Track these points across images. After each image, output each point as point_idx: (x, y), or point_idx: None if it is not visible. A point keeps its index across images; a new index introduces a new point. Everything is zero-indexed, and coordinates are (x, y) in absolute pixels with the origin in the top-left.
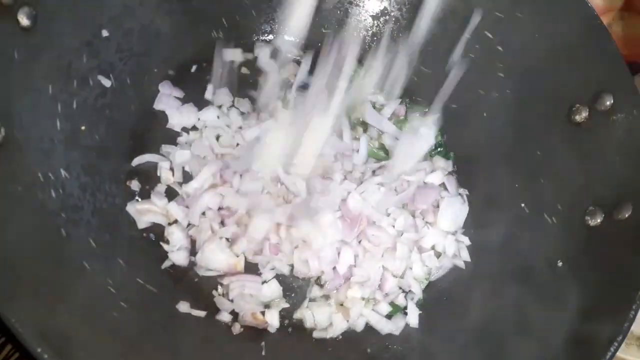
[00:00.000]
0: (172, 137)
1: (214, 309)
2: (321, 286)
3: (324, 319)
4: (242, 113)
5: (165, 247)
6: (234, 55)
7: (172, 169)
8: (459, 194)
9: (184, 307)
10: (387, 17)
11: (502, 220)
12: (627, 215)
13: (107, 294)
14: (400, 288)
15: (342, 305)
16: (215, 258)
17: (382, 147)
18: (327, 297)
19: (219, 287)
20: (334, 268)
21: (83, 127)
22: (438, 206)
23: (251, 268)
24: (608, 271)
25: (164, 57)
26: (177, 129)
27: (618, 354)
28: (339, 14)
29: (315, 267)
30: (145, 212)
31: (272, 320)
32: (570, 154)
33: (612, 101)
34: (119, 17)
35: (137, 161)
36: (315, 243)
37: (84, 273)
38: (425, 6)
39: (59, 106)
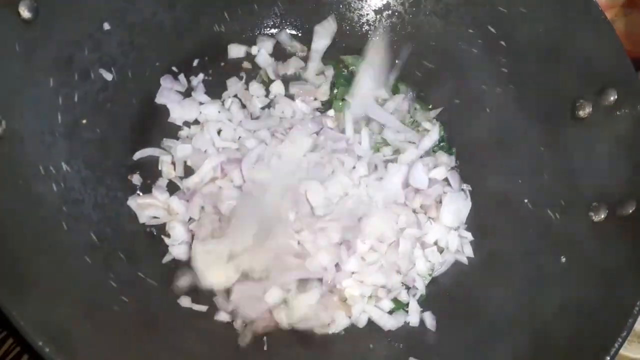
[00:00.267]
0: (173, 131)
1: (215, 304)
2: (322, 283)
3: (326, 315)
4: (243, 107)
5: (167, 240)
6: (238, 51)
7: (173, 163)
8: (462, 189)
9: (185, 301)
10: (390, 11)
11: (505, 216)
12: (630, 211)
13: (108, 288)
14: (403, 284)
15: (344, 301)
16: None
17: (384, 142)
18: (329, 293)
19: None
20: (336, 265)
21: (84, 121)
22: (441, 201)
23: None
24: (612, 267)
25: (166, 51)
26: (179, 122)
27: (620, 351)
28: (342, 9)
29: (317, 266)
30: (147, 206)
31: (282, 318)
32: (573, 150)
33: (616, 96)
34: (121, 10)
35: (138, 155)
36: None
37: (85, 267)
38: None
39: (60, 99)
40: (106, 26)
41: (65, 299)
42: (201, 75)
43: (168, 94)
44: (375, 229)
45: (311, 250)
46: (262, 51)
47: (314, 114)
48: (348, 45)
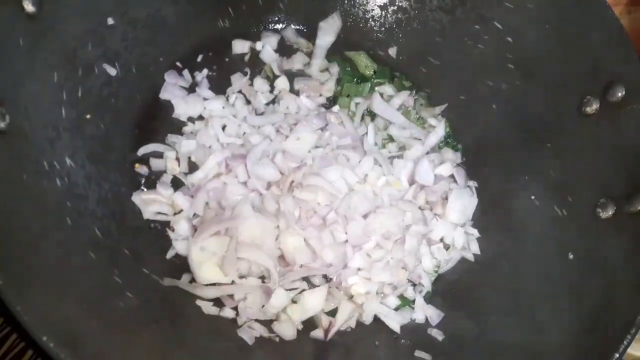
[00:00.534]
0: (177, 127)
1: (220, 300)
2: (328, 280)
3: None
4: (248, 102)
5: (171, 234)
6: (242, 47)
7: (177, 159)
8: (468, 185)
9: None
10: (395, 7)
11: (512, 213)
12: (639, 208)
13: (113, 283)
14: (409, 281)
15: (350, 298)
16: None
17: (390, 138)
18: (335, 290)
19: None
20: (345, 265)
21: (88, 116)
22: (447, 198)
23: None
24: (620, 264)
25: (170, 46)
26: (183, 118)
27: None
28: (346, 4)
29: (322, 263)
30: (151, 202)
31: (285, 331)
32: (580, 146)
33: (623, 92)
34: (125, 5)
35: (142, 151)
36: (320, 240)
37: (89, 262)
38: None
39: (64, 94)
40: (110, 21)
41: (70, 295)
42: (205, 71)
43: (172, 89)
44: (381, 225)
45: (316, 247)
46: (267, 47)
47: (319, 109)
48: (353, 42)
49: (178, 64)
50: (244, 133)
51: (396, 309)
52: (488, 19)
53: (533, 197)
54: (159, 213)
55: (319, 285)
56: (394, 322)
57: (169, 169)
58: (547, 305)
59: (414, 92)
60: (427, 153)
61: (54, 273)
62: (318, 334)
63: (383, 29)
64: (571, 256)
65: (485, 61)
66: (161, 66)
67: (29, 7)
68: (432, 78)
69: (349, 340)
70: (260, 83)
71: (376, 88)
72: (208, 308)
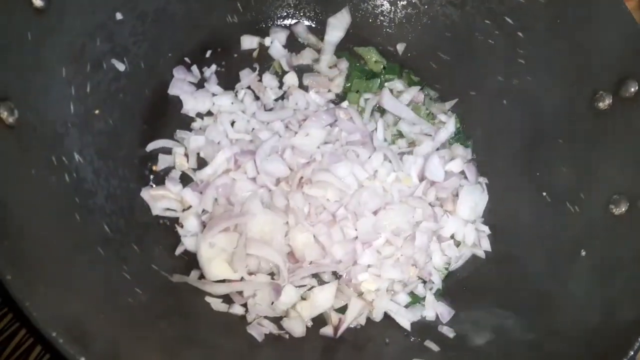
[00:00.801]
0: (186, 123)
1: (229, 297)
2: (338, 277)
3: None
4: (257, 98)
5: (180, 231)
6: (251, 42)
7: (186, 155)
8: (479, 182)
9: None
10: (405, 1)
11: (523, 210)
12: None
13: (122, 279)
14: (420, 278)
15: (360, 295)
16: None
17: (400, 134)
18: (345, 287)
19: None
20: (355, 262)
21: (97, 111)
22: (457, 195)
23: None
24: (633, 260)
25: (179, 42)
26: (192, 114)
27: None
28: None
29: (332, 259)
30: (160, 197)
31: (295, 327)
32: (593, 142)
33: (636, 87)
34: (134, 0)
35: (151, 146)
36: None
37: (98, 258)
38: None
39: (73, 89)
40: (118, 16)
41: (79, 291)
42: (214, 67)
43: (181, 85)
44: (391, 222)
45: (326, 243)
46: (276, 42)
47: (328, 105)
48: (362, 37)
49: (187, 59)
50: (253, 129)
51: (406, 306)
52: (498, 13)
53: (545, 194)
54: (168, 209)
55: (329, 282)
56: (404, 319)
57: (178, 165)
58: (560, 303)
59: (424, 87)
60: (437, 149)
61: (62, 269)
62: (328, 331)
63: (392, 24)
64: (584, 253)
65: (496, 56)
66: (170, 62)
67: (37, 2)
68: (442, 73)
69: (359, 338)
70: (269, 79)
71: (386, 84)
72: (217, 305)
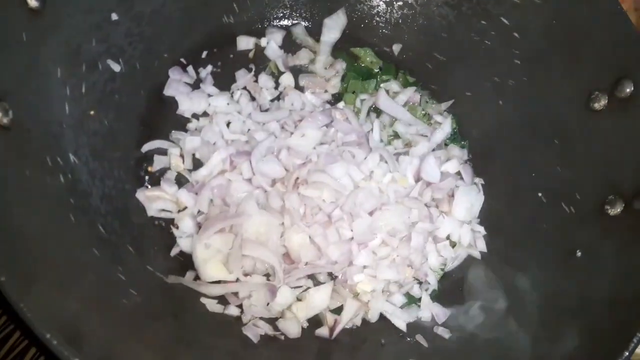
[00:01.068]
0: (182, 123)
1: (224, 298)
2: (334, 278)
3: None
4: (252, 99)
5: (175, 232)
6: (247, 43)
7: (182, 156)
8: (474, 183)
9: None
10: (401, 2)
11: (519, 210)
12: None
13: (117, 280)
14: (415, 278)
15: (356, 296)
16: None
17: (395, 135)
18: (341, 288)
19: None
20: (351, 263)
21: (92, 112)
22: (453, 195)
23: None
24: (629, 261)
25: (174, 42)
26: (187, 115)
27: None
28: (352, 0)
29: (328, 260)
30: (155, 199)
31: (290, 328)
32: (588, 143)
33: (632, 88)
34: (129, 1)
35: (147, 147)
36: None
37: (93, 260)
38: None
39: (68, 90)
40: (114, 16)
41: (73, 292)
42: (210, 67)
43: (176, 85)
44: (386, 222)
45: (321, 244)
46: (272, 43)
47: (324, 106)
48: (358, 38)
49: (182, 60)
50: (249, 130)
51: (402, 307)
52: (494, 14)
53: (540, 194)
54: (163, 210)
55: (324, 283)
56: (400, 320)
57: (173, 166)
58: (555, 303)
59: (420, 88)
60: (433, 150)
61: (57, 270)
62: (323, 332)
63: (389, 25)
64: (579, 253)
65: (492, 57)
66: (165, 62)
67: (33, 2)
68: (438, 74)
69: (355, 339)
70: (265, 79)
71: (382, 84)
72: (212, 306)
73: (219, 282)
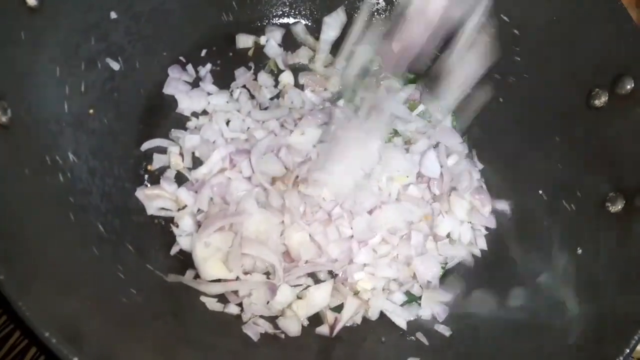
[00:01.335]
0: (181, 122)
1: (224, 296)
2: (334, 276)
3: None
4: (252, 97)
5: (175, 230)
6: (246, 41)
7: (181, 154)
8: (475, 179)
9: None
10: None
11: (519, 207)
12: None
13: (117, 279)
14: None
15: (356, 294)
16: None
17: (395, 132)
18: (341, 286)
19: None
20: (351, 261)
21: (91, 111)
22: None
23: None
24: (630, 258)
25: (174, 41)
26: (187, 113)
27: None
28: None
29: (328, 259)
30: (155, 197)
31: (290, 326)
32: (589, 140)
33: (632, 85)
34: None
35: (146, 146)
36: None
37: (93, 258)
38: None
39: (67, 88)
40: (113, 15)
41: (73, 291)
42: (209, 66)
43: (176, 84)
44: (386, 220)
45: (322, 242)
46: (271, 41)
47: (324, 104)
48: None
49: (182, 58)
50: (248, 128)
51: (402, 305)
52: (494, 11)
53: (541, 192)
54: (163, 209)
55: (325, 281)
56: (400, 318)
57: (173, 164)
58: (555, 302)
59: (420, 85)
60: (434, 147)
61: (56, 269)
62: (323, 330)
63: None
64: (580, 251)
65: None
66: (165, 61)
67: (31, 1)
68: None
69: (355, 337)
70: (264, 77)
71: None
72: (212, 304)
73: (218, 280)
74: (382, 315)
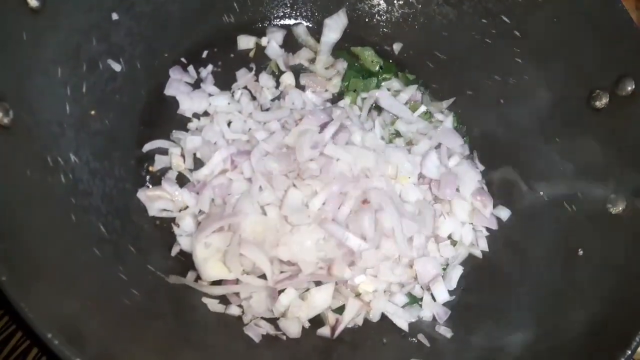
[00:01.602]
0: (182, 123)
1: (226, 297)
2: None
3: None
4: (253, 98)
5: (176, 230)
6: (247, 42)
7: (183, 155)
8: (477, 181)
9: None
10: (402, 1)
11: (520, 209)
12: None
13: (118, 280)
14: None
15: (358, 296)
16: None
17: (397, 133)
18: (342, 287)
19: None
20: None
21: (93, 112)
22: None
23: None
24: (630, 260)
25: (175, 42)
26: (188, 114)
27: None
28: None
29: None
30: (156, 198)
31: (290, 328)
32: (590, 141)
33: (633, 86)
34: (130, 0)
35: (147, 147)
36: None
37: (94, 259)
38: None
39: (68, 90)
40: (114, 16)
41: (74, 292)
42: (210, 67)
43: (177, 85)
44: (388, 222)
45: (322, 244)
46: (272, 42)
47: (325, 105)
48: (359, 37)
49: (183, 59)
50: (250, 129)
51: (404, 307)
52: (495, 13)
53: (542, 193)
54: (164, 210)
55: (326, 283)
56: (402, 320)
57: (174, 166)
58: (557, 302)
59: (421, 86)
60: (435, 148)
61: (58, 270)
62: (325, 331)
63: (389, 23)
64: (581, 252)
65: (493, 55)
66: (166, 62)
67: (33, 2)
68: (439, 73)
69: (356, 338)
70: (265, 79)
71: (383, 83)
72: (214, 305)
73: (220, 282)
74: (384, 316)
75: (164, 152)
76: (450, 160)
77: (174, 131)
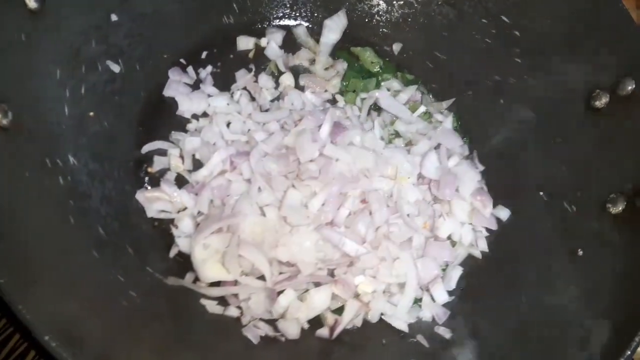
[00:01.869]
0: (182, 124)
1: (224, 299)
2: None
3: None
4: (252, 99)
5: (174, 231)
6: (247, 43)
7: (181, 156)
8: (476, 181)
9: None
10: (402, 1)
11: (520, 209)
12: None
13: (117, 282)
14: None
15: (357, 297)
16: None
17: (396, 133)
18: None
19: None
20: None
21: (92, 113)
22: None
23: None
24: (631, 259)
25: (174, 43)
26: (187, 115)
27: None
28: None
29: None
30: (155, 200)
31: (289, 329)
32: (590, 141)
33: (633, 86)
34: (129, 1)
35: (146, 148)
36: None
37: (93, 261)
38: None
39: (67, 91)
40: (114, 17)
41: (73, 294)
42: (209, 68)
43: (176, 86)
44: (388, 223)
45: (322, 245)
46: (272, 43)
47: (324, 105)
48: (359, 37)
49: (182, 60)
50: (249, 130)
51: None
52: (495, 13)
53: (542, 193)
54: (163, 211)
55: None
56: (401, 320)
57: (173, 167)
58: (556, 303)
59: (421, 86)
60: (435, 148)
61: (56, 272)
62: (324, 332)
63: (389, 24)
64: (581, 252)
65: (493, 55)
66: (165, 63)
67: (32, 3)
68: (439, 73)
69: (355, 339)
70: (265, 79)
71: (383, 83)
72: (212, 307)
73: (218, 284)
74: (383, 316)
75: (163, 153)
76: (450, 160)
77: (173, 132)
